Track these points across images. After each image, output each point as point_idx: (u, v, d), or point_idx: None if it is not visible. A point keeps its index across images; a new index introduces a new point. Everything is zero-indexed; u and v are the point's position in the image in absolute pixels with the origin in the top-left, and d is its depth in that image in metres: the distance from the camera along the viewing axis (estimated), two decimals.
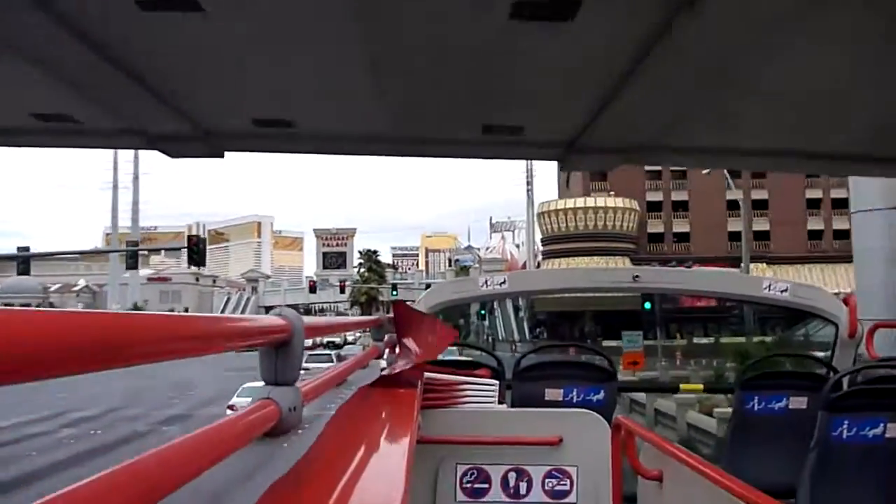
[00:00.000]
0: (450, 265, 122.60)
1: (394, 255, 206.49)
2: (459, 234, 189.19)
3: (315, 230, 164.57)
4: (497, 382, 4.12)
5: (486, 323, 73.63)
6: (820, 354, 6.05)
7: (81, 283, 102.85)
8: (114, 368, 0.75)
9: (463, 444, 3.59)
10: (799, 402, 4.43)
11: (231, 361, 55.65)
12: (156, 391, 33.75)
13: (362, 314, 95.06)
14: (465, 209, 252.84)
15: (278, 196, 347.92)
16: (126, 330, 0.77)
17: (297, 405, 1.38)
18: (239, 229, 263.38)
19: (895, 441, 3.66)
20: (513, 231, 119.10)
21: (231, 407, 19.30)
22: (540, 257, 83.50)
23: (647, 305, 35.52)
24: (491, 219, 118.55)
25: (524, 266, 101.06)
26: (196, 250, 32.77)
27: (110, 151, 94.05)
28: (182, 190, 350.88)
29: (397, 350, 3.73)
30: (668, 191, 68.88)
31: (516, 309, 78.83)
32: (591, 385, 4.66)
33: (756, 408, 4.54)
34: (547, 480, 3.62)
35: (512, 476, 3.61)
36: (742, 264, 36.79)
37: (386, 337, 3.74)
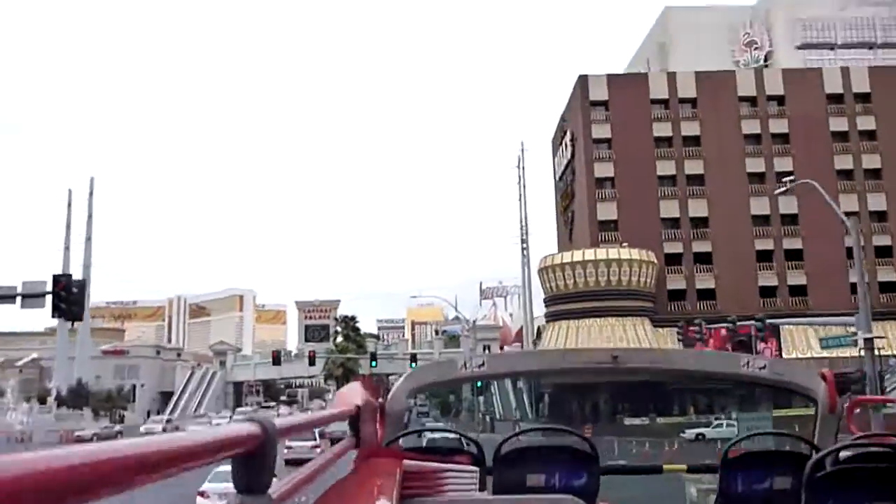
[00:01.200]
0: (437, 335, 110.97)
1: (379, 328, 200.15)
2: (447, 306, 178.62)
3: (297, 302, 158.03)
4: (477, 469, 3.89)
5: (482, 399, 62.04)
6: None
7: (34, 356, 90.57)
8: None
9: None
10: (783, 482, 4.21)
11: None
12: None
13: (338, 388, 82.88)
14: (452, 278, 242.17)
15: (261, 269, 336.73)
16: (80, 468, 0.66)
17: None
18: (221, 303, 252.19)
19: None
20: (505, 297, 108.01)
21: (202, 493, 17.61)
22: (542, 321, 72.29)
23: None
24: (481, 284, 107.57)
25: (520, 333, 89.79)
26: (63, 297, 21.53)
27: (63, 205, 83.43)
28: (164, 265, 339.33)
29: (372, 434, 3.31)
30: (687, 241, 58.37)
31: (514, 382, 67.26)
32: (574, 469, 4.34)
33: (740, 488, 4.26)
34: None
35: None
36: (855, 317, 25.89)
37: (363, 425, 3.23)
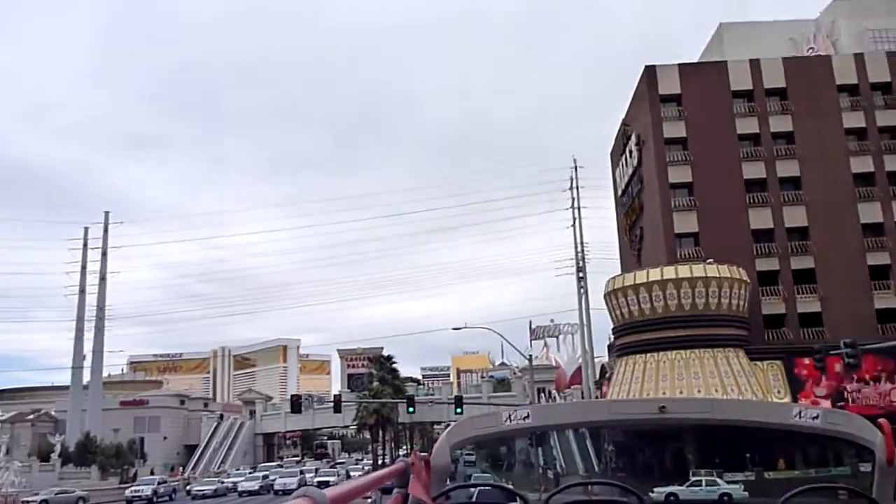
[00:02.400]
0: (483, 379, 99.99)
1: (423, 376, 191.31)
2: (492, 353, 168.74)
3: (339, 351, 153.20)
4: None
5: (540, 450, 51.25)
6: None
7: (47, 411, 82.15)
8: None
9: None
10: None
11: None
12: None
13: (372, 440, 72.84)
14: (498, 319, 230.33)
15: (307, 321, 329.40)
16: None
17: None
18: (265, 354, 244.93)
19: None
20: (557, 337, 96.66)
21: None
22: (604, 360, 61.31)
23: None
24: (531, 323, 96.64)
25: (576, 374, 78.64)
26: None
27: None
28: (209, 319, 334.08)
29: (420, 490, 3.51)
30: (784, 256, 47.38)
31: (577, 430, 56.16)
32: None
33: None
34: None
35: None
36: None
37: (410, 483, 3.31)
